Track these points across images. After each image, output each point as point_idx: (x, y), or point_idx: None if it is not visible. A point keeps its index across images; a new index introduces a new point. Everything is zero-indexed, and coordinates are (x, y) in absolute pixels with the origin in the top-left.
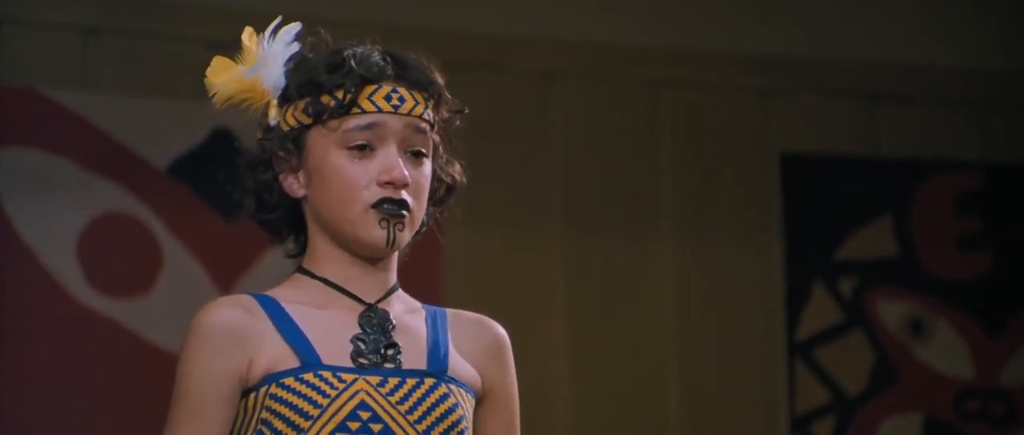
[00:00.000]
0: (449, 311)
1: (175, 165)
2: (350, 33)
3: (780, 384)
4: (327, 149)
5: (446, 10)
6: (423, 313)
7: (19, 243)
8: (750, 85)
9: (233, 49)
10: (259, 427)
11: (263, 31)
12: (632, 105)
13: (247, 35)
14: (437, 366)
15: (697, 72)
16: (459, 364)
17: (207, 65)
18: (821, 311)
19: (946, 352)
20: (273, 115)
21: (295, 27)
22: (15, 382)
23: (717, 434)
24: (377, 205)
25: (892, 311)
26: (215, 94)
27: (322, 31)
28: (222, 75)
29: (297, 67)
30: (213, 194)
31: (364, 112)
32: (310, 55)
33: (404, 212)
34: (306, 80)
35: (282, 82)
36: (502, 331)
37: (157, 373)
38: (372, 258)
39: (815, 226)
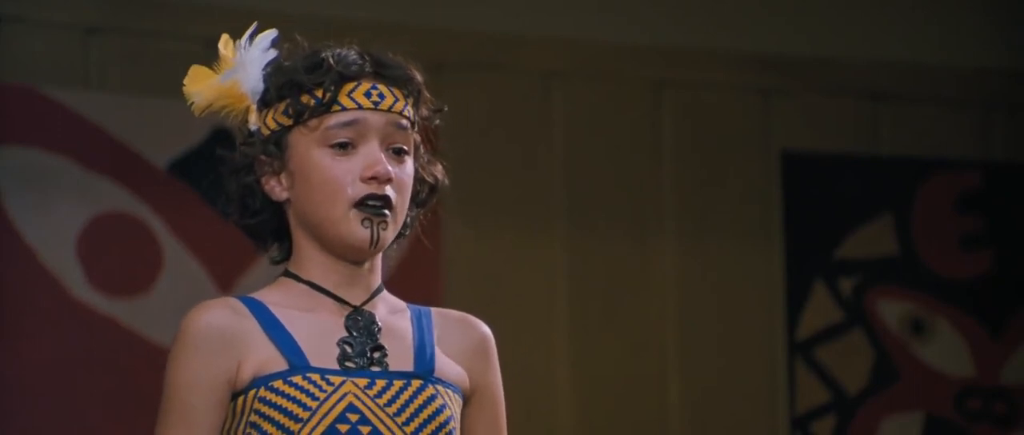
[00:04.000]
0: (434, 310)
1: (175, 164)
2: (347, 32)
3: (780, 383)
4: (308, 149)
5: (447, 9)
6: (408, 313)
7: (19, 242)
8: (751, 84)
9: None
10: (248, 430)
11: (239, 37)
12: (634, 104)
13: (223, 42)
14: (424, 367)
15: (698, 71)
16: (445, 364)
17: (208, 64)
18: (821, 310)
19: (947, 351)
20: (253, 120)
21: (271, 33)
22: (15, 381)
23: (717, 433)
24: (361, 203)
25: (892, 310)
26: (193, 103)
27: (298, 37)
28: (200, 83)
29: (276, 70)
30: (213, 194)
31: (345, 109)
32: (287, 62)
33: (387, 211)
34: (285, 81)
35: (261, 86)
36: (487, 330)
37: (157, 372)
38: (357, 260)
39: (816, 225)
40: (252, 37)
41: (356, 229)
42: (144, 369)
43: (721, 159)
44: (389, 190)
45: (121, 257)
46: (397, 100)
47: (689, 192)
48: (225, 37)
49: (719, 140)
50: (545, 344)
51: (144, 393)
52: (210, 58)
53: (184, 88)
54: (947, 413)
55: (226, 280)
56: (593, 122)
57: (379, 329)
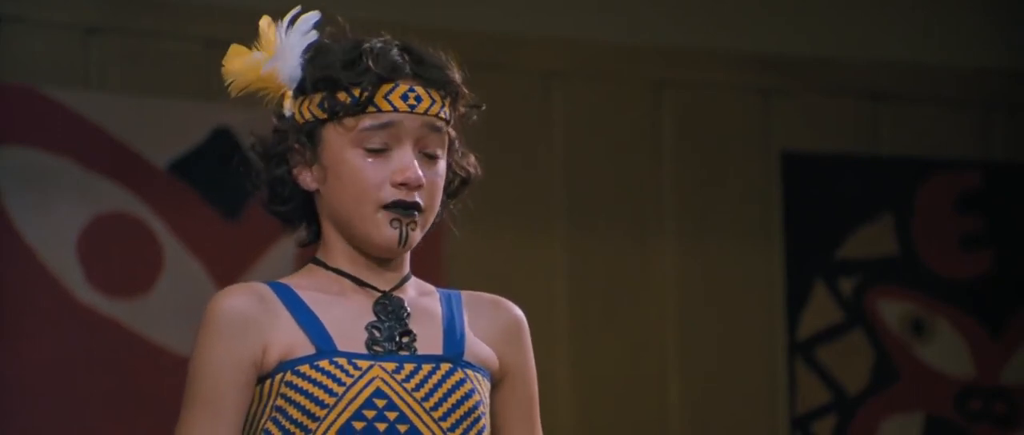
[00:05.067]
0: (464, 293)
1: (175, 164)
2: (350, 31)
3: (780, 383)
4: (342, 147)
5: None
6: (437, 296)
7: (19, 242)
8: (751, 84)
9: (252, 39)
10: (273, 414)
11: (281, 19)
12: (633, 104)
13: (265, 23)
14: (453, 349)
15: (698, 71)
16: (476, 345)
17: (208, 64)
18: (822, 310)
19: (947, 351)
20: (288, 106)
21: (313, 16)
22: (15, 381)
23: (717, 433)
24: (390, 207)
25: (893, 310)
26: (231, 83)
27: (341, 19)
28: (238, 63)
29: (314, 59)
30: (213, 193)
31: (380, 111)
32: (328, 42)
33: (416, 212)
34: (322, 76)
35: (298, 74)
36: (520, 312)
37: (157, 372)
38: (385, 257)
39: (816, 225)
40: (293, 20)
41: (384, 230)
42: (145, 369)
43: (721, 159)
44: (418, 196)
45: (121, 257)
46: (434, 103)
47: (689, 192)
48: (267, 18)
49: (719, 140)
50: (545, 344)
51: (144, 393)
52: (210, 58)
53: (223, 67)
54: (947, 413)
55: (226, 280)
56: (593, 122)
57: (408, 314)
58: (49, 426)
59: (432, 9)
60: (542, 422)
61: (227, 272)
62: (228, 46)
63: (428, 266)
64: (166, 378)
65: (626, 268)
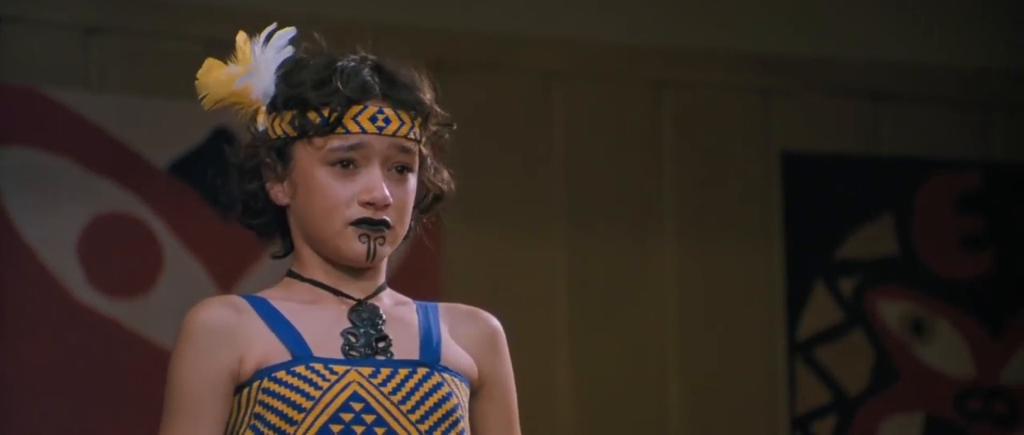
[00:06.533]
0: (441, 305)
1: (175, 164)
2: (348, 33)
3: (780, 384)
4: (312, 165)
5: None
6: (413, 306)
7: (20, 242)
8: (751, 84)
9: (233, 49)
10: (252, 422)
11: (257, 34)
12: (633, 104)
13: (241, 39)
14: (430, 355)
15: (698, 71)
16: (454, 352)
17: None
18: (822, 310)
19: (947, 351)
20: (261, 121)
21: (289, 32)
22: (15, 381)
23: (717, 433)
24: (357, 223)
25: (893, 310)
26: (205, 96)
27: (317, 35)
28: (213, 76)
29: (287, 76)
30: (213, 194)
31: (349, 132)
32: (303, 57)
33: (384, 228)
34: (293, 95)
35: (272, 90)
36: (496, 322)
37: (157, 372)
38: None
39: (816, 225)
40: (269, 37)
41: (353, 244)
42: (144, 369)
43: (721, 159)
44: (386, 214)
45: (121, 257)
46: (403, 124)
47: (689, 192)
48: (242, 34)
49: (719, 140)
50: (545, 344)
51: (144, 393)
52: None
53: (197, 81)
54: (947, 413)
55: (226, 280)
56: (593, 122)
57: (383, 320)
58: (49, 426)
59: (432, 9)
60: (543, 424)
61: (227, 272)
62: (228, 46)
63: (427, 268)
64: (165, 378)
65: (626, 268)
